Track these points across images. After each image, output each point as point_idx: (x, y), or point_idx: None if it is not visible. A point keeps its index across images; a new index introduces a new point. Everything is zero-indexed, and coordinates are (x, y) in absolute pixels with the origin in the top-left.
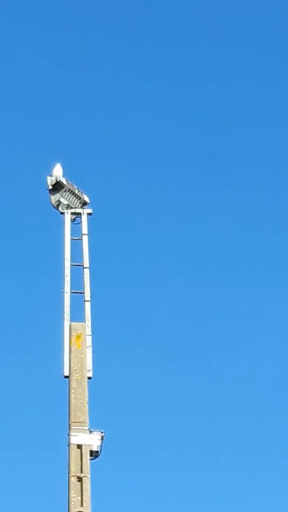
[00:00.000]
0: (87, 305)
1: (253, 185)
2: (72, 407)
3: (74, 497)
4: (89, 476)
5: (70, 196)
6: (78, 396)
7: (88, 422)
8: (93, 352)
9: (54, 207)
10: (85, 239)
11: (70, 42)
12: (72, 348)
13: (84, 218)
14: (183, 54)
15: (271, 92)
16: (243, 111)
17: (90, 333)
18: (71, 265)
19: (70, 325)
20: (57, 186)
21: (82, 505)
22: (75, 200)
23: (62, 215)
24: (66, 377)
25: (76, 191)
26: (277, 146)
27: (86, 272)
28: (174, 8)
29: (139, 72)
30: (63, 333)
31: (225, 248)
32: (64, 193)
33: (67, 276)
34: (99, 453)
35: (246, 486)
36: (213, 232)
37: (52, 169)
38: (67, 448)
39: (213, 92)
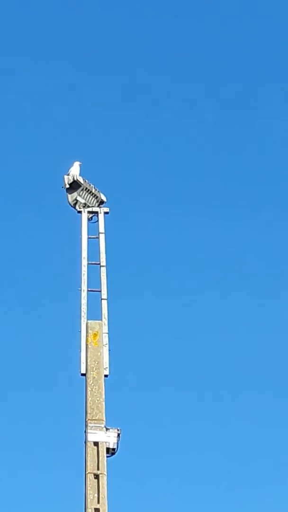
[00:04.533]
0: (104, 303)
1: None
2: (89, 404)
3: (91, 494)
4: (106, 473)
5: (87, 195)
6: (95, 394)
7: (104, 420)
8: (109, 350)
9: (71, 205)
10: (102, 237)
11: (90, 40)
12: (89, 346)
13: (101, 217)
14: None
15: None
16: None
17: (107, 331)
18: (88, 263)
19: (87, 323)
20: (74, 185)
21: (98, 502)
22: (92, 199)
23: (79, 214)
24: (83, 375)
25: (93, 190)
26: None
27: (103, 270)
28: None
29: (156, 70)
30: (80, 331)
31: (241, 248)
32: (81, 192)
33: (84, 274)
34: (115, 451)
35: (260, 481)
36: (222, 231)
37: (69, 168)
38: (84, 445)
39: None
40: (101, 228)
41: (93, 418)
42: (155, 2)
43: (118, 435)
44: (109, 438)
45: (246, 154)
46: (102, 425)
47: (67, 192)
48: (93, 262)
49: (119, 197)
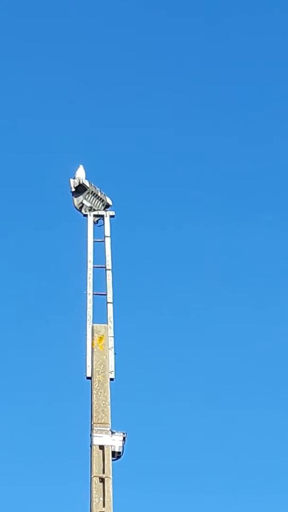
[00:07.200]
0: (110, 307)
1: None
2: (94, 408)
3: (96, 497)
4: (111, 477)
5: (93, 199)
6: (101, 397)
7: (110, 423)
8: (115, 353)
9: (77, 209)
10: (107, 241)
11: (94, 42)
12: (95, 350)
13: (107, 220)
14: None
15: None
16: None
17: (113, 335)
18: (94, 267)
19: (92, 327)
20: (80, 189)
21: (104, 506)
22: (98, 202)
23: (85, 218)
24: (89, 378)
25: (99, 194)
26: None
27: (109, 274)
28: None
29: (161, 73)
30: (85, 335)
31: (248, 251)
32: (87, 196)
33: (89, 278)
34: (121, 454)
35: (265, 487)
36: (228, 234)
37: (75, 172)
38: (90, 449)
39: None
40: (107, 232)
41: (99, 421)
42: (156, 8)
43: (124, 438)
44: (115, 441)
45: (254, 160)
46: (108, 429)
47: (73, 195)
48: (99, 266)
49: (125, 201)
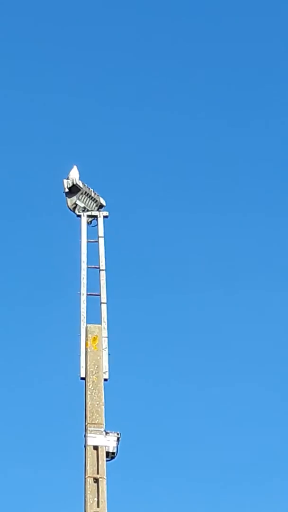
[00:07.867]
0: (104, 307)
1: None
2: (88, 408)
3: (91, 498)
4: (105, 477)
5: (87, 199)
6: (95, 398)
7: (104, 424)
8: (109, 354)
9: (70, 210)
10: (101, 241)
11: (88, 41)
12: (89, 350)
13: (101, 220)
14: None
15: None
16: None
17: (107, 335)
18: (88, 267)
19: (86, 327)
20: (74, 189)
21: (98, 506)
22: (91, 203)
23: (79, 218)
24: (83, 379)
25: (93, 194)
26: None
27: (102, 274)
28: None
29: (154, 70)
30: (79, 335)
31: (243, 249)
32: (81, 196)
33: (83, 278)
34: (115, 455)
35: (261, 487)
36: (223, 234)
37: (69, 172)
38: (84, 449)
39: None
40: (101, 232)
41: (93, 422)
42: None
43: (118, 439)
44: (109, 442)
45: (245, 151)
46: (102, 429)
47: (66, 196)
48: (93, 266)
49: (118, 201)
